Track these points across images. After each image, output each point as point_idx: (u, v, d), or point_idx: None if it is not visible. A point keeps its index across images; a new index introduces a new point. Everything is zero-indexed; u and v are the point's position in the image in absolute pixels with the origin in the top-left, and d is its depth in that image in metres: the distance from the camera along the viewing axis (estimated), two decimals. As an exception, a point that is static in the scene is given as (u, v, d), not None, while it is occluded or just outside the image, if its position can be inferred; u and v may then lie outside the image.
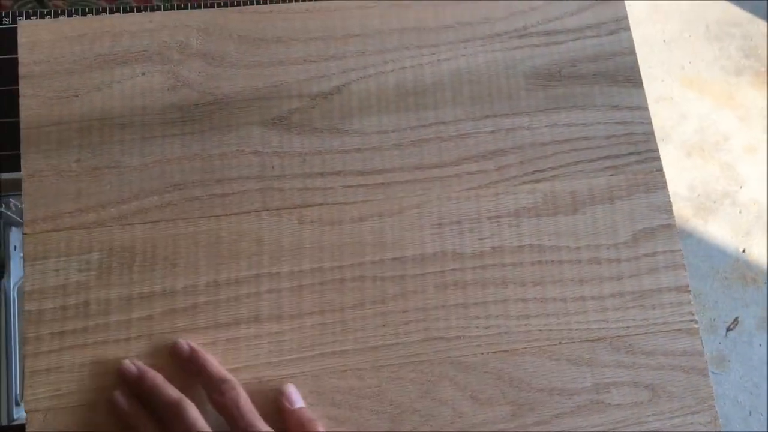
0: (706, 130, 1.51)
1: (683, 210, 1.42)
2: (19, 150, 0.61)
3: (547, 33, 0.56)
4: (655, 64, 1.54)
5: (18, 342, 0.97)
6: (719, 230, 1.44)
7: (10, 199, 0.90)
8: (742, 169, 1.48)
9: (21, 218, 0.95)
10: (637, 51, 0.56)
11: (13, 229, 1.00)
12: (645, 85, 0.56)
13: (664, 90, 1.53)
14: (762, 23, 1.59)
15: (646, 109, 0.55)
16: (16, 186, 0.84)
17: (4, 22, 0.63)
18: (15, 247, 1.01)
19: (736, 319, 1.38)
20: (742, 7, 1.62)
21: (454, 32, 0.55)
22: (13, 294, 0.99)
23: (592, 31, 0.56)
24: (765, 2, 1.61)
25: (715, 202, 1.45)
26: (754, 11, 1.61)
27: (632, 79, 0.56)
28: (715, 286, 1.40)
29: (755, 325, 1.38)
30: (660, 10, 1.60)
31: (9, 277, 0.98)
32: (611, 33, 0.56)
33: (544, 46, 0.56)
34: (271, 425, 0.45)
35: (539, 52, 0.55)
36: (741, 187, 1.47)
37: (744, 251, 1.43)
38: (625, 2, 0.58)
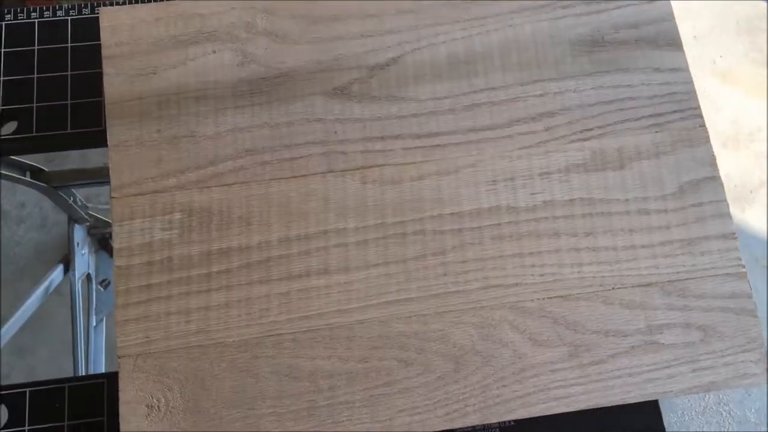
0: (740, 121, 1.52)
1: (720, 202, 1.42)
2: (89, 128, 0.66)
3: (588, 2, 0.59)
4: (686, 59, 1.56)
5: (81, 330, 1.02)
6: (756, 219, 1.44)
7: (74, 191, 0.95)
8: (778, 160, 1.49)
9: (85, 214, 1.01)
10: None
11: (76, 226, 1.06)
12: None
13: (696, 84, 1.54)
14: (792, 17, 1.61)
15: (687, 70, 0.58)
16: (81, 175, 0.88)
17: (54, 14, 0.68)
18: (78, 243, 1.06)
19: (777, 307, 1.37)
20: (772, 2, 1.63)
21: (500, 5, 0.59)
22: (78, 287, 1.04)
23: (632, -1, 0.59)
24: (794, -4, 1.62)
25: (751, 191, 1.46)
26: (784, 5, 1.62)
27: (673, 43, 0.59)
28: (754, 275, 1.40)
29: (797, 314, 1.37)
30: (690, 8, 1.62)
31: (74, 270, 1.03)
32: (651, 0, 0.59)
33: (587, 15, 0.59)
34: (341, 362, 0.48)
35: (583, 21, 0.59)
36: (777, 177, 1.48)
37: (783, 240, 1.43)
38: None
